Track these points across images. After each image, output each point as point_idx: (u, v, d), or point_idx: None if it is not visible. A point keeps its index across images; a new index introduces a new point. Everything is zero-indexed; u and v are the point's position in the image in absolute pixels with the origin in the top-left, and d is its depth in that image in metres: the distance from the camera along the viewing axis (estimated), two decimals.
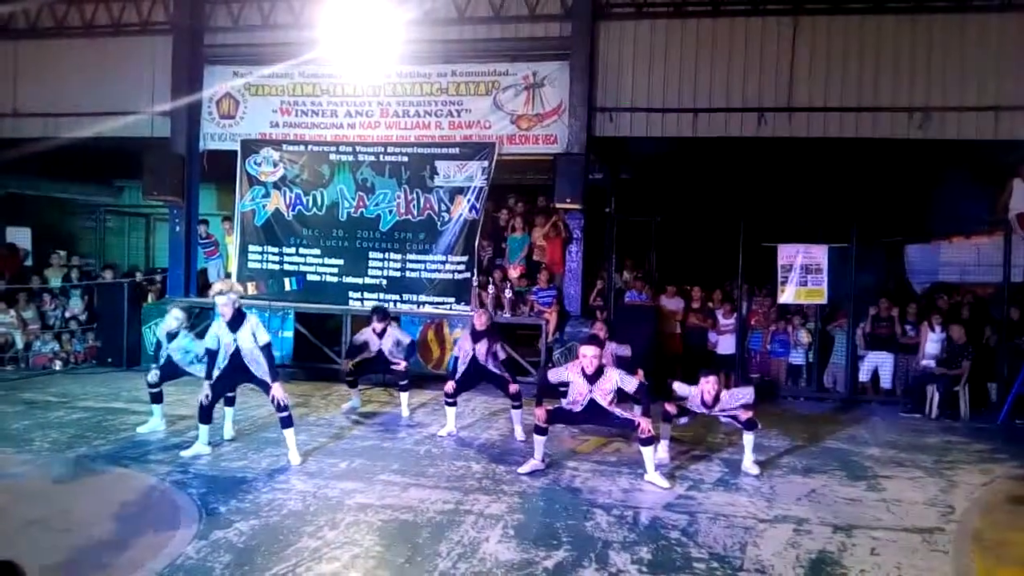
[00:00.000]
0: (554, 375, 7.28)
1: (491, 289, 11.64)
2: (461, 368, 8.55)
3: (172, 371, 8.30)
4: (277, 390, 7.13)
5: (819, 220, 11.47)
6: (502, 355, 8.61)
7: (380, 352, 9.44)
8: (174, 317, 8.27)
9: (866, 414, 10.35)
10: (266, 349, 7.23)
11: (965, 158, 11.45)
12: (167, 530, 5.39)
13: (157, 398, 8.25)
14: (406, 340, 9.63)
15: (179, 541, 5.19)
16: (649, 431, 6.73)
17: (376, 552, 5.15)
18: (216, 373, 7.32)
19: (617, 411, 6.95)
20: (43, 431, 8.13)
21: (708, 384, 7.35)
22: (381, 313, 9.60)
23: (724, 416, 7.50)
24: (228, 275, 12.88)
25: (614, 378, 6.91)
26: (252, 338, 7.16)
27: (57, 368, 12.15)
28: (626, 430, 7.22)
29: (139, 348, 12.26)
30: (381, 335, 9.44)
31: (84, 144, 13.07)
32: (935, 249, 12.74)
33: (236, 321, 7.17)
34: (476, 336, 8.48)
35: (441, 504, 6.11)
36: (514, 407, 8.41)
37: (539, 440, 7.10)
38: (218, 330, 7.26)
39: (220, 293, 7.15)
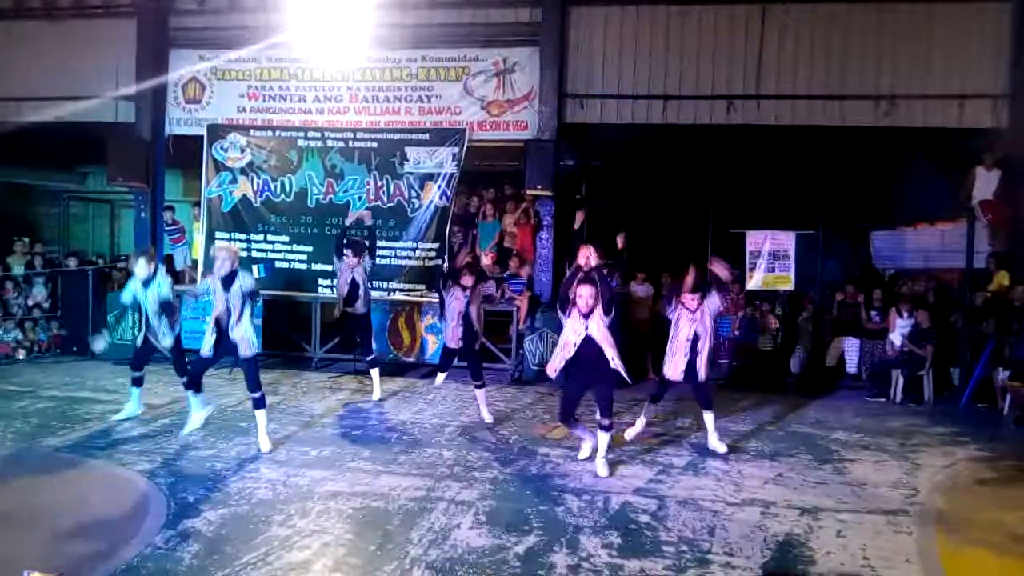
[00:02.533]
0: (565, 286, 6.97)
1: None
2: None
3: (147, 350, 8.24)
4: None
5: (787, 207, 11.58)
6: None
7: (354, 283, 9.34)
8: (142, 264, 8.06)
9: (832, 399, 10.49)
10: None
11: (930, 146, 11.60)
12: (135, 520, 5.35)
13: (137, 382, 8.20)
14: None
15: (147, 531, 5.15)
16: (610, 420, 6.81)
17: (347, 540, 5.14)
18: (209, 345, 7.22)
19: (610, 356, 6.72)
20: (6, 421, 7.98)
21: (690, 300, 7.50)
22: (356, 247, 9.51)
23: (697, 372, 7.51)
24: (195, 262, 12.75)
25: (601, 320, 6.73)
26: (240, 293, 7.10)
27: (20, 357, 11.95)
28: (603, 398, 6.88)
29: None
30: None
31: (46, 129, 12.77)
32: (900, 235, 12.92)
33: (230, 278, 7.08)
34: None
35: (412, 491, 6.11)
36: (477, 386, 8.39)
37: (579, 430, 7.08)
38: (211, 281, 7.22)
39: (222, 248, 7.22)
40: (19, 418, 8.14)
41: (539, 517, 5.63)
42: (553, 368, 6.87)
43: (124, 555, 4.76)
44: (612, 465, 6.84)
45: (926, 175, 11.83)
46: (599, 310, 6.69)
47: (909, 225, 12.81)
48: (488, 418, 8.27)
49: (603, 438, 6.85)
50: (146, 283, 8.03)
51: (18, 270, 12.91)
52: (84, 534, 5.11)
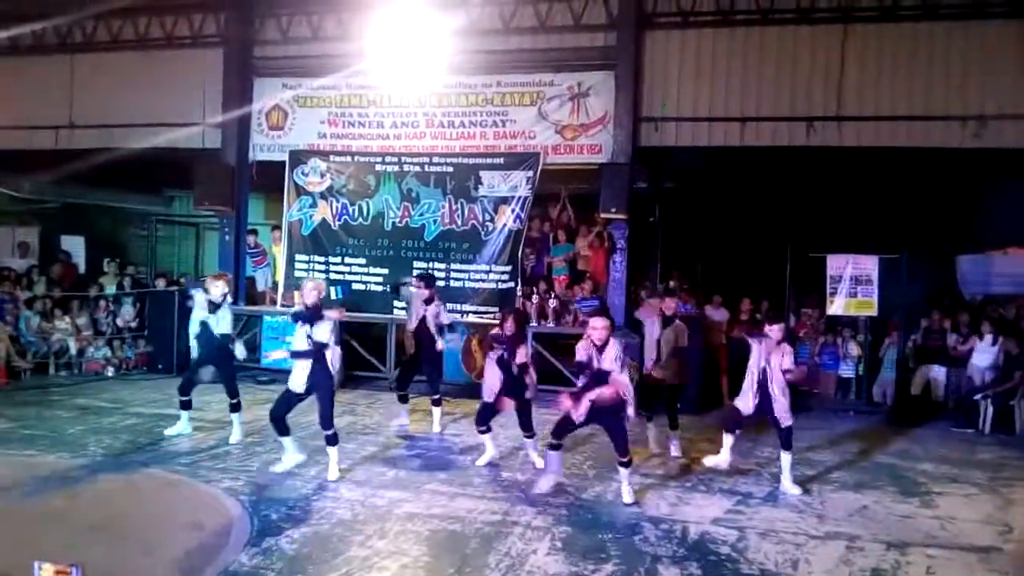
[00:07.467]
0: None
1: (535, 299, 11.65)
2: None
3: (197, 375, 8.61)
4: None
5: (869, 230, 11.28)
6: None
7: (423, 322, 8.97)
8: (222, 284, 8.41)
9: (917, 428, 10.13)
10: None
11: (1022, 167, 11.17)
12: (220, 536, 5.48)
13: (186, 405, 8.54)
14: (445, 319, 9.15)
15: (232, 547, 5.27)
16: (628, 456, 6.59)
17: (425, 562, 5.18)
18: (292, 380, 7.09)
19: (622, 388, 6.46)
20: (97, 436, 8.30)
21: (773, 330, 7.11)
22: (428, 279, 9.25)
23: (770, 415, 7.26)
24: (276, 284, 13.07)
25: (615, 350, 6.46)
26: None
27: (109, 374, 12.39)
28: (616, 435, 6.63)
29: (189, 355, 12.40)
30: (428, 302, 9.04)
31: (137, 155, 13.32)
32: (988, 260, 12.45)
33: (313, 315, 7.00)
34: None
35: (488, 515, 6.13)
36: (526, 437, 7.74)
37: (553, 455, 6.84)
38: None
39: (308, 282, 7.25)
40: (109, 434, 8.45)
41: (616, 545, 5.57)
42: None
43: (210, 571, 4.88)
44: (685, 494, 6.75)
45: (1018, 197, 11.38)
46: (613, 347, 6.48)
47: (998, 249, 12.34)
48: (542, 465, 7.29)
49: (623, 473, 6.63)
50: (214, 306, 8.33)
51: (110, 290, 13.44)
52: (172, 549, 5.25)
